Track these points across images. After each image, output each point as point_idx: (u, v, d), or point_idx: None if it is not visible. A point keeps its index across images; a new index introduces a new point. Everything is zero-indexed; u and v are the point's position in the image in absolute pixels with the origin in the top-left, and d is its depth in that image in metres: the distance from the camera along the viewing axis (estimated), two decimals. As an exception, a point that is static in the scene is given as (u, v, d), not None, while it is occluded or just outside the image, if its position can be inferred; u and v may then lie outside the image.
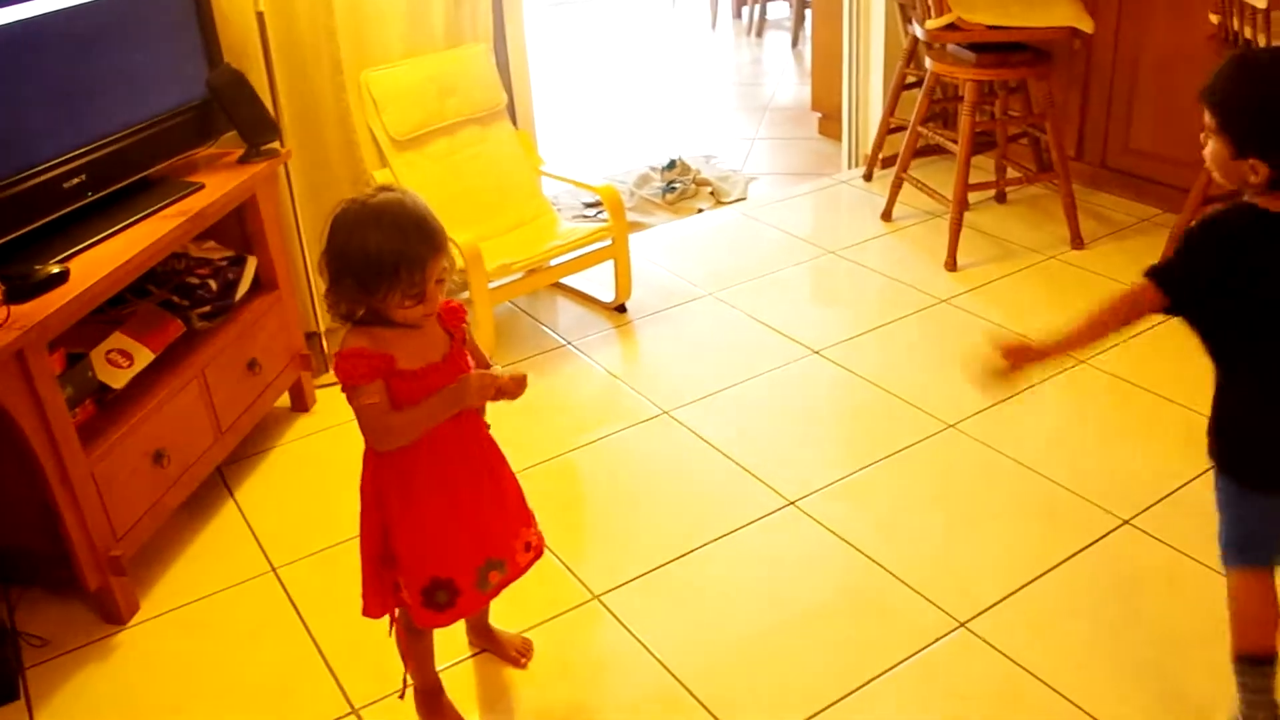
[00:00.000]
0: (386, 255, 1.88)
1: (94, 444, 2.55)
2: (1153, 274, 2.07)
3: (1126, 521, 2.78)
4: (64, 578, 2.59)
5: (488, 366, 2.20)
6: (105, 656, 2.58)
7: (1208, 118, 1.99)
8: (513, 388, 2.11)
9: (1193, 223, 2.03)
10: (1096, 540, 2.72)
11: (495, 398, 2.11)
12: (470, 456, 2.14)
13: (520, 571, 2.26)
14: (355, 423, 3.20)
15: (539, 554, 2.31)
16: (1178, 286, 2.05)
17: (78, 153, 2.68)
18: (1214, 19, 3.62)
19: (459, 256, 3.47)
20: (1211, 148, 1.99)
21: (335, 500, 3.03)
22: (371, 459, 2.10)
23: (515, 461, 3.11)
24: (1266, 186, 1.91)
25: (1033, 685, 2.33)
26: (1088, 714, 2.25)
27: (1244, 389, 2.06)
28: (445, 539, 2.11)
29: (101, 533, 2.55)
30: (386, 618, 2.20)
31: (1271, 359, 2.01)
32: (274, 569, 2.82)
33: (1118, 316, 2.16)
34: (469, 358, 2.12)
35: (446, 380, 2.02)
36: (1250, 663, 2.07)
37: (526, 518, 2.29)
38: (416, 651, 2.29)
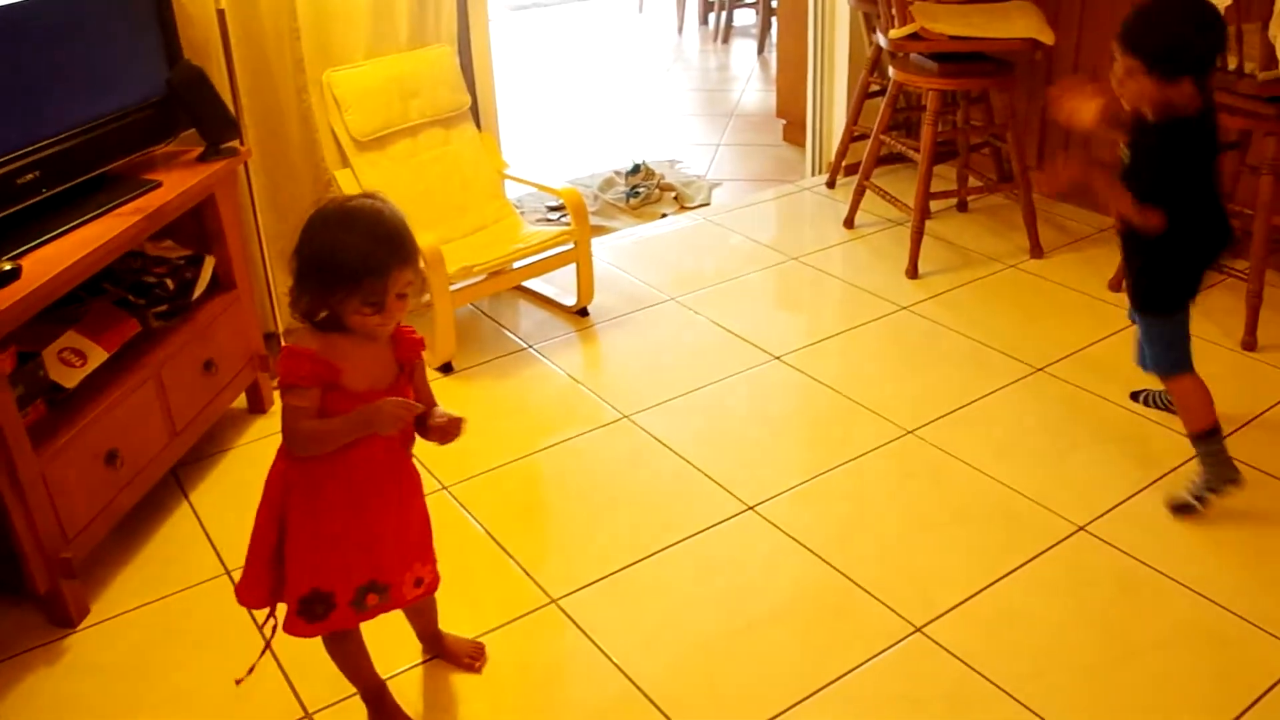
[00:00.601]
0: (351, 258, 1.89)
1: (45, 444, 2.52)
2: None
3: (1081, 528, 2.79)
4: (12, 580, 2.56)
5: (432, 406, 2.18)
6: (54, 660, 2.55)
7: (1128, 61, 2.53)
8: (448, 429, 2.14)
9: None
10: (1051, 546, 2.74)
11: (430, 437, 2.14)
12: (381, 481, 2.12)
13: (404, 603, 2.25)
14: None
15: (429, 591, 2.31)
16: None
17: (32, 148, 2.64)
18: (1173, 32, 3.65)
19: (420, 259, 3.46)
20: (1137, 87, 2.54)
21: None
22: (284, 458, 2.09)
23: (475, 465, 3.13)
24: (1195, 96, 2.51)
25: (987, 689, 2.34)
26: (1040, 718, 2.26)
27: (1168, 243, 2.65)
28: (336, 553, 2.09)
29: (51, 535, 2.52)
30: (264, 612, 2.21)
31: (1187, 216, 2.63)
32: (228, 572, 2.80)
33: None
34: (412, 392, 2.11)
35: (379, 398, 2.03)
36: (1207, 435, 2.79)
37: (425, 555, 2.27)
38: (342, 655, 2.27)
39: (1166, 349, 2.83)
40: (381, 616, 2.19)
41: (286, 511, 2.08)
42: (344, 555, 2.09)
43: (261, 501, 2.12)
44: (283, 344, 3.69)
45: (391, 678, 2.41)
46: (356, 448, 2.03)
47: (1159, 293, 2.80)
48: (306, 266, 1.94)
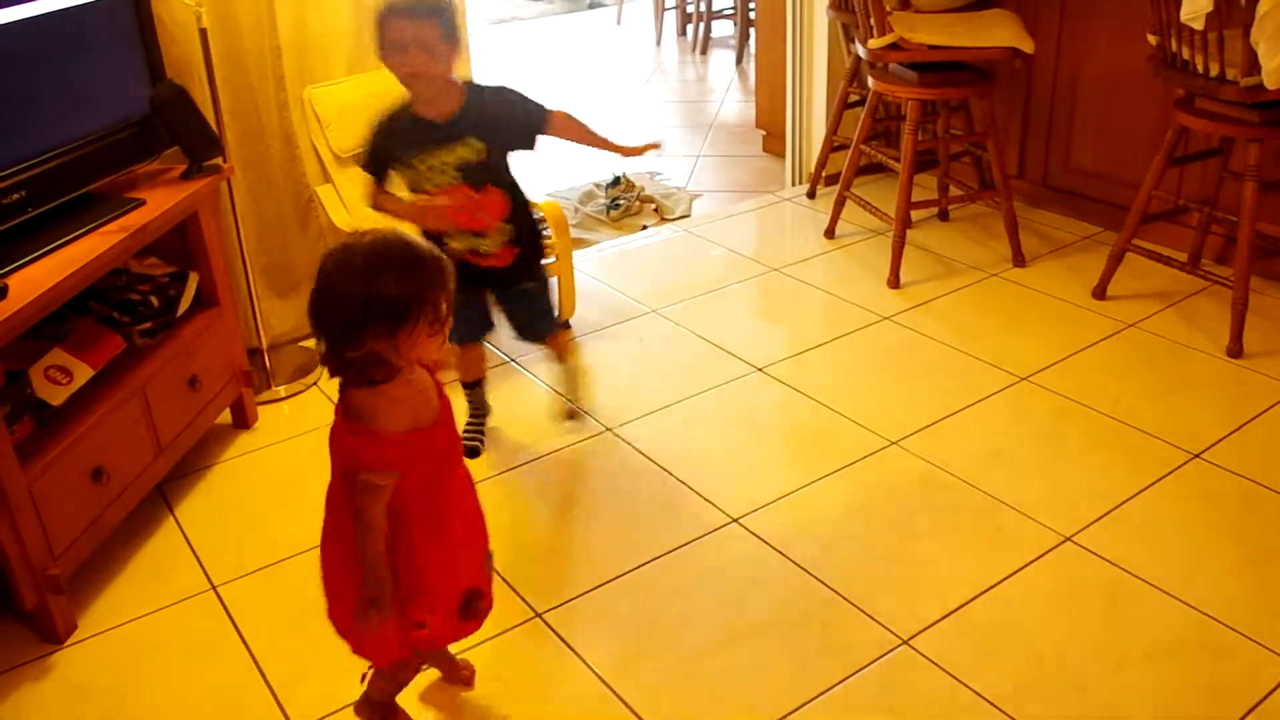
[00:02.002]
0: (408, 285, 1.83)
1: (32, 461, 2.51)
2: None
3: (1068, 538, 2.80)
4: None
5: None
6: (42, 676, 2.54)
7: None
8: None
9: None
10: (1038, 557, 2.75)
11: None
12: (465, 503, 2.17)
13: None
14: (296, 439, 3.16)
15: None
16: None
17: (17, 168, 2.64)
18: (1152, 40, 3.67)
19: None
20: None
21: (276, 518, 3.01)
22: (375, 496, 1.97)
23: (459, 479, 3.12)
24: None
25: (974, 702, 2.34)
26: (1029, 729, 2.27)
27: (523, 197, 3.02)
28: (469, 549, 2.16)
29: (39, 551, 2.51)
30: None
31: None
32: (214, 587, 2.79)
33: None
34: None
35: (445, 440, 2.05)
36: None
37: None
38: (401, 679, 2.29)
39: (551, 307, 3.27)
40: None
41: (411, 551, 2.02)
42: (474, 547, 2.18)
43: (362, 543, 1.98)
44: (266, 362, 3.69)
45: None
46: (440, 453, 2.04)
47: (541, 246, 3.13)
48: (358, 318, 1.82)
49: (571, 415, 3.42)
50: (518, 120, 2.96)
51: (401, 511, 1.99)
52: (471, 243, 2.92)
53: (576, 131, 3.07)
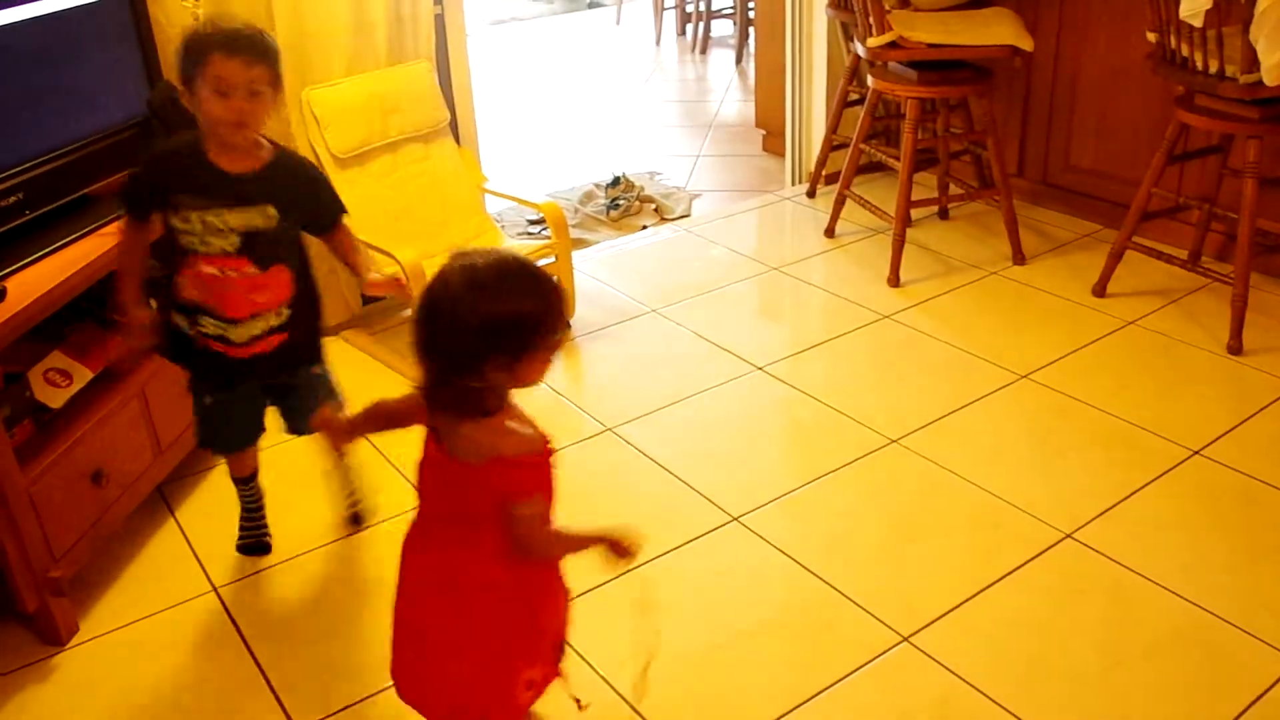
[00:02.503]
0: (537, 301, 1.71)
1: (31, 464, 2.51)
2: None
3: (1069, 535, 2.80)
4: (1, 599, 2.55)
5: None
6: (44, 679, 2.54)
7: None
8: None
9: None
10: (1039, 554, 2.75)
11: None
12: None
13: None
14: (299, 440, 3.16)
15: None
16: None
17: (14, 171, 2.64)
18: (1152, 37, 3.67)
19: (402, 274, 3.46)
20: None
21: (277, 518, 3.00)
22: (514, 573, 1.87)
23: (460, 479, 3.12)
24: None
25: (976, 699, 2.34)
26: (1030, 726, 2.27)
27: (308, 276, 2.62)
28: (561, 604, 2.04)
29: (39, 554, 2.51)
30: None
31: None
32: (215, 589, 2.79)
33: None
34: None
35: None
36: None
37: None
38: None
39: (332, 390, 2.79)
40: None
41: (540, 613, 1.94)
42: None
43: (499, 642, 1.89)
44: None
45: (379, 693, 2.41)
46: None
47: (321, 326, 2.71)
48: (485, 344, 1.68)
49: (356, 520, 2.99)
50: (319, 203, 2.55)
51: (525, 573, 1.88)
52: (221, 328, 2.47)
53: (349, 245, 2.62)
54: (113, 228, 2.77)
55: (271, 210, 2.41)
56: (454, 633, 1.87)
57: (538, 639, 1.93)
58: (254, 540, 2.93)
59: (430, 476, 1.87)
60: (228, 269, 2.41)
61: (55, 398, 2.68)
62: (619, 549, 1.91)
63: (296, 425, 2.77)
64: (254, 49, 2.29)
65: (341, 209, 2.60)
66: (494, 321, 1.67)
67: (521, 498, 1.78)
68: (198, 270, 2.41)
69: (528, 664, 1.91)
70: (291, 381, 2.67)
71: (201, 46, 2.28)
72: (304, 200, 2.50)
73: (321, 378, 2.75)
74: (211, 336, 2.48)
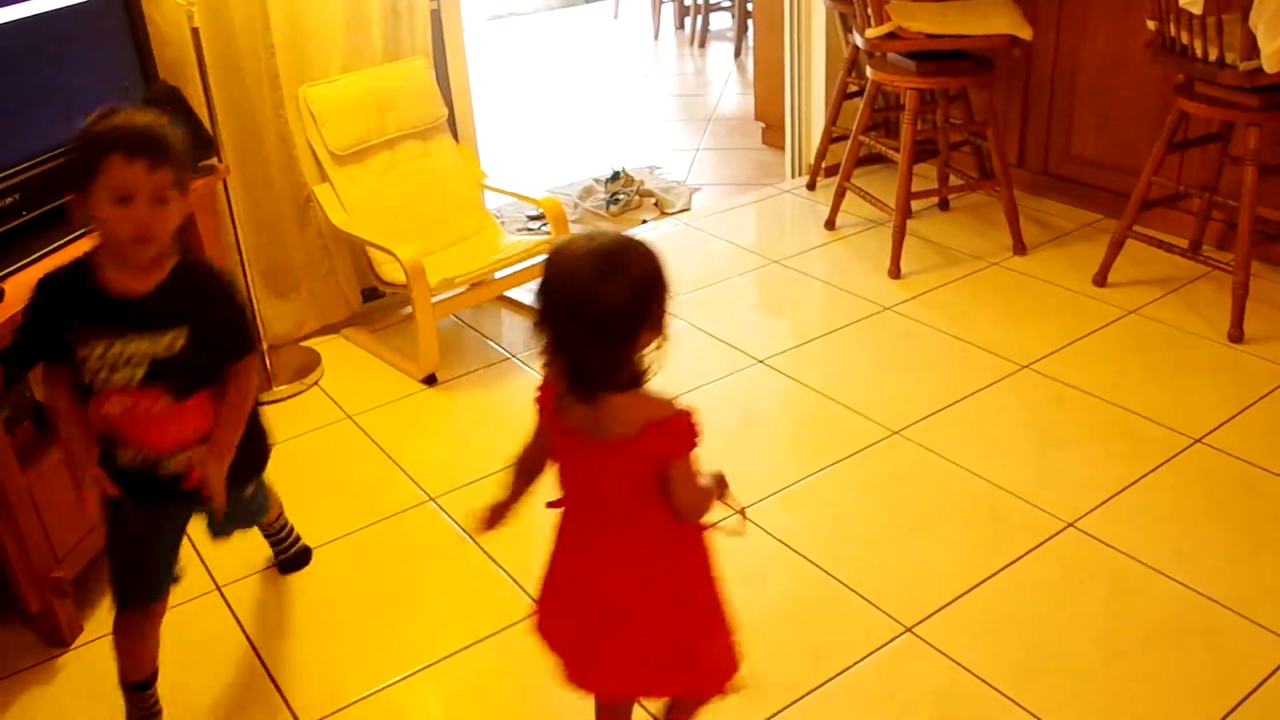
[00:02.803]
0: (653, 267, 1.74)
1: (32, 464, 2.51)
2: None
3: (1070, 524, 2.80)
4: (4, 600, 2.55)
5: None
6: (49, 680, 2.54)
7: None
8: None
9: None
10: (1041, 543, 2.74)
11: None
12: None
13: None
14: (298, 439, 3.16)
15: None
16: None
17: (10, 172, 2.63)
18: (1151, 25, 3.66)
19: (400, 271, 3.46)
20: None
21: (279, 518, 3.01)
22: (682, 532, 1.89)
23: (461, 476, 3.13)
24: None
25: (978, 688, 2.34)
26: (1034, 716, 2.26)
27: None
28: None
29: (42, 554, 2.52)
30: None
31: None
32: (218, 587, 2.79)
33: None
34: None
35: None
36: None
37: None
38: None
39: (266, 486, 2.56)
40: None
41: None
42: None
43: (698, 604, 1.94)
44: (267, 363, 3.69)
45: (383, 689, 2.42)
46: None
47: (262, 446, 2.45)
48: (638, 320, 1.71)
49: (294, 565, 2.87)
50: (230, 327, 2.17)
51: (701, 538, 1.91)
52: (151, 462, 2.16)
53: (237, 394, 2.19)
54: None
55: (180, 332, 2.05)
56: (662, 607, 1.88)
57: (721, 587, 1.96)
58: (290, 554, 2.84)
59: (582, 472, 1.87)
60: (138, 404, 2.07)
61: (55, 398, 2.68)
62: (723, 485, 1.94)
63: (217, 533, 2.46)
64: (157, 149, 1.94)
65: (249, 348, 2.22)
66: (638, 291, 1.69)
67: (678, 456, 1.80)
68: (102, 407, 2.07)
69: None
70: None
71: (96, 148, 1.93)
72: (214, 319, 2.11)
73: (254, 496, 2.49)
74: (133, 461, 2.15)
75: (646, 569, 1.86)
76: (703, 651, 1.94)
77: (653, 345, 1.75)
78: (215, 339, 2.11)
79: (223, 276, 2.19)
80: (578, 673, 1.95)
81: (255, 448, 2.38)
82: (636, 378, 1.76)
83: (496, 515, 2.05)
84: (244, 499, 2.42)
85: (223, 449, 2.15)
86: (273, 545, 2.83)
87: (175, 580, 2.32)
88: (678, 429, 1.78)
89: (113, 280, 2.03)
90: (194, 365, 2.09)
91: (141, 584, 2.27)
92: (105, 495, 2.10)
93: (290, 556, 2.84)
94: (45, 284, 2.07)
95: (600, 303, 1.65)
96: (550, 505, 1.93)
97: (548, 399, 1.85)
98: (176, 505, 2.25)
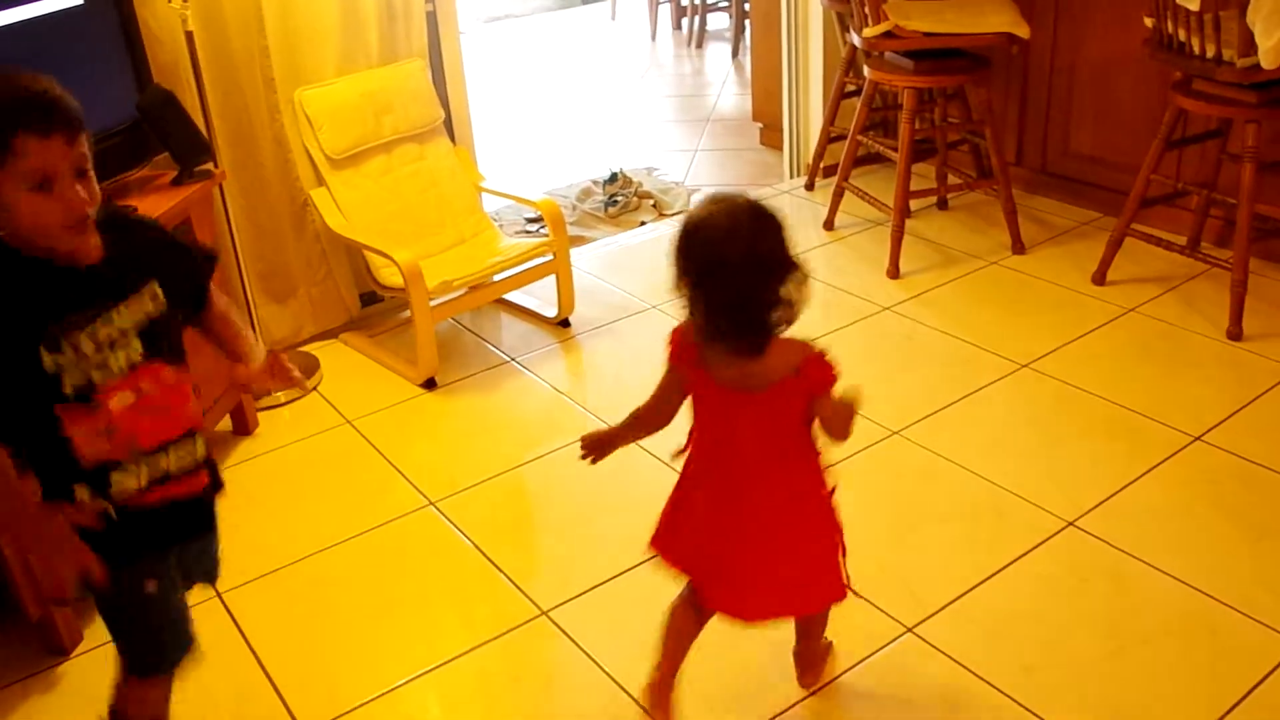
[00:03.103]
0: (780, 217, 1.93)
1: (31, 472, 2.50)
2: None
3: (1071, 523, 2.79)
4: (4, 609, 2.55)
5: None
6: (50, 688, 2.54)
7: None
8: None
9: None
10: (1041, 542, 2.74)
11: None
12: None
13: None
14: (298, 444, 3.16)
15: None
16: None
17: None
18: (1149, 22, 3.66)
19: (398, 275, 3.45)
20: None
21: (281, 523, 3.01)
22: (816, 462, 2.13)
23: (462, 480, 3.13)
24: None
25: (980, 688, 2.33)
26: (1036, 716, 2.26)
27: None
28: None
29: (40, 563, 2.51)
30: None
31: None
32: (219, 594, 2.78)
33: None
34: None
35: None
36: None
37: None
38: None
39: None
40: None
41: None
42: None
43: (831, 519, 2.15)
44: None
45: (385, 694, 2.41)
46: None
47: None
48: (789, 256, 1.93)
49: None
50: (183, 254, 1.98)
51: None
52: (154, 465, 1.84)
53: (225, 320, 2.04)
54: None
55: (155, 287, 1.81)
56: (812, 535, 2.12)
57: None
58: None
59: (728, 423, 2.04)
60: (145, 385, 1.80)
61: (52, 405, 2.66)
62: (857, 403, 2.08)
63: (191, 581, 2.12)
64: (69, 117, 1.71)
65: (213, 257, 2.03)
66: (785, 240, 1.88)
67: (829, 386, 2.02)
68: (105, 411, 1.75)
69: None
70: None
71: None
72: (171, 260, 1.90)
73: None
74: (142, 484, 1.83)
75: (793, 503, 2.07)
76: (837, 567, 2.15)
77: (797, 283, 1.92)
78: (182, 274, 1.89)
79: (137, 212, 2.00)
80: (727, 599, 2.14)
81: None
82: (789, 323, 1.95)
83: (604, 447, 2.24)
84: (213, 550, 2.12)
85: (250, 351, 2.01)
86: None
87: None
88: (824, 363, 2.01)
89: (53, 254, 1.71)
90: (177, 316, 1.86)
91: (178, 650, 2.04)
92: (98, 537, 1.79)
93: None
94: None
95: (768, 248, 1.86)
96: (679, 453, 2.17)
97: (687, 355, 2.05)
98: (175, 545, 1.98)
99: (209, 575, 2.16)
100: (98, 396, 1.73)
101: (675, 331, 2.07)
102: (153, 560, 1.92)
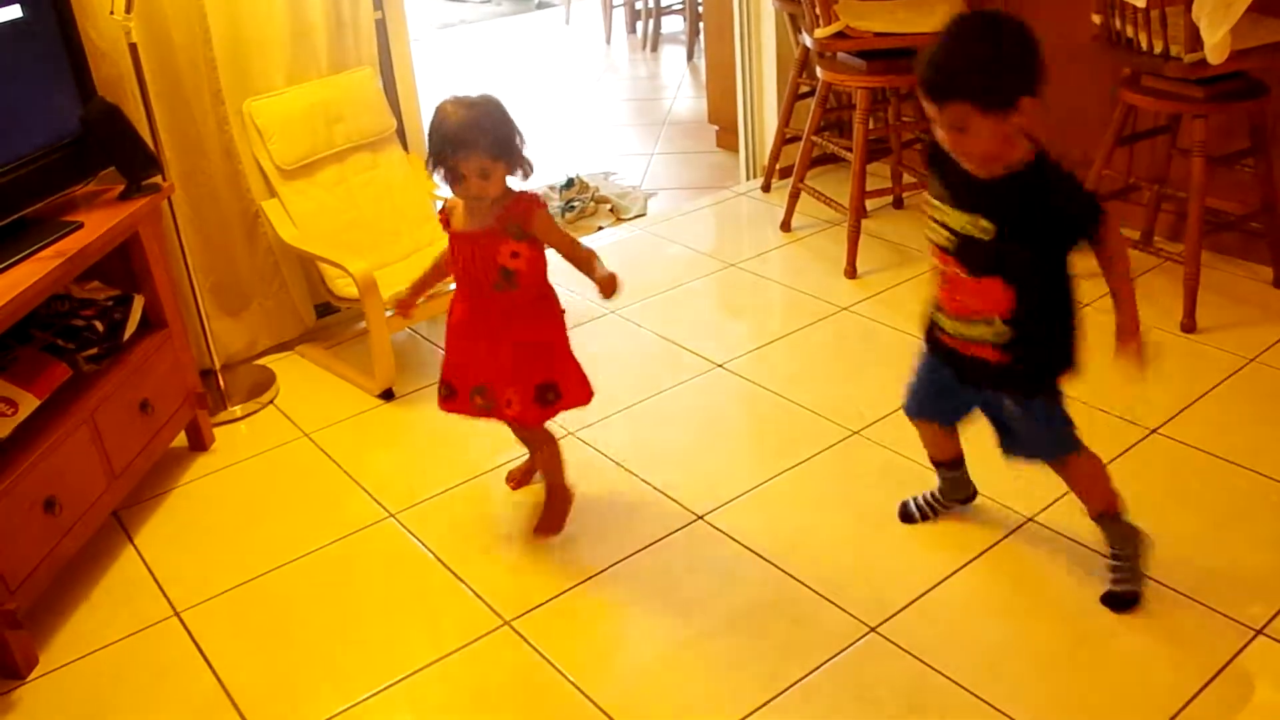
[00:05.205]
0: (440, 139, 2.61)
1: (-20, 495, 2.47)
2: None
3: (1031, 518, 2.80)
4: (-44, 634, 2.51)
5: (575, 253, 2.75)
6: (5, 713, 2.50)
7: (952, 111, 2.14)
8: (603, 286, 2.71)
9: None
10: (1003, 538, 2.75)
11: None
12: (478, 310, 2.74)
13: (501, 417, 2.80)
14: (255, 459, 3.15)
15: (520, 420, 2.79)
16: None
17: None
18: (1096, 19, 3.67)
19: (353, 286, 3.43)
20: (980, 130, 2.14)
21: (239, 539, 2.98)
22: None
23: (422, 491, 3.11)
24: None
25: (945, 686, 2.33)
26: (1001, 712, 2.26)
27: (1059, 304, 2.41)
28: (452, 354, 2.83)
29: (-8, 586, 2.48)
30: None
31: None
32: (177, 613, 2.75)
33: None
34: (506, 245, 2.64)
35: (465, 246, 2.68)
36: (1117, 513, 2.52)
37: (518, 385, 2.72)
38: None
39: (1065, 423, 2.50)
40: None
41: None
42: (459, 359, 2.81)
43: None
44: (221, 383, 3.66)
45: (349, 709, 2.39)
46: (458, 283, 2.77)
47: (1062, 363, 2.45)
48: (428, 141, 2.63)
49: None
50: None
51: None
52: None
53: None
54: (50, 250, 2.71)
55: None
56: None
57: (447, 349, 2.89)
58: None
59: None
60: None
61: (1, 427, 2.63)
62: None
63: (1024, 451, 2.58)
64: None
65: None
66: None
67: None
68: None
69: None
70: None
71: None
72: None
73: (1046, 411, 2.52)
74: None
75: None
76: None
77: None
78: None
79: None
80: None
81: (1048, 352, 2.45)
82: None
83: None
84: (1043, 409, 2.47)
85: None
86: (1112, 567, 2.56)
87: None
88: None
89: None
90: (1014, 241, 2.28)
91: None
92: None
93: (1120, 592, 2.53)
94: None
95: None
96: None
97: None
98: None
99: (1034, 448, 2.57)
100: None
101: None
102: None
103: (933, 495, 2.85)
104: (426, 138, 2.61)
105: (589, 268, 2.73)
